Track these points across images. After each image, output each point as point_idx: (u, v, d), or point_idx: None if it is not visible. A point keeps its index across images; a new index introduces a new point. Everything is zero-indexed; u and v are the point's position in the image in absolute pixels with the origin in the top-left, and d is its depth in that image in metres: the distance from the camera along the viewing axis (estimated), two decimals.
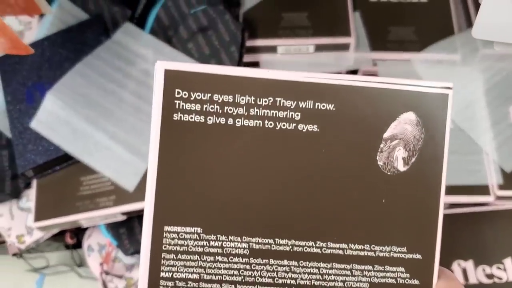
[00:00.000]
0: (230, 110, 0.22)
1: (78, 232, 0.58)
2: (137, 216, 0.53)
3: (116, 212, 0.51)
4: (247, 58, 0.59)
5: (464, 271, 0.51)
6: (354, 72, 0.61)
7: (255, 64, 0.60)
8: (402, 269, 0.24)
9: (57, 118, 0.53)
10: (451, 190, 0.53)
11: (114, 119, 0.53)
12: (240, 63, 0.57)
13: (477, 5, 0.61)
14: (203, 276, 0.23)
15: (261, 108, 0.22)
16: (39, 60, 0.58)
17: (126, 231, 0.53)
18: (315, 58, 0.60)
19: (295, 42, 0.58)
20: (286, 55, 0.60)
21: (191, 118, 0.22)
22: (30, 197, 0.56)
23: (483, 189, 0.53)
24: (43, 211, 0.53)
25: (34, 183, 0.55)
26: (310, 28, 0.59)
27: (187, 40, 0.58)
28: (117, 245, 0.52)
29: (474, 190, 0.53)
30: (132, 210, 0.51)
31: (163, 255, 0.23)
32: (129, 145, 0.52)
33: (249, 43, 0.58)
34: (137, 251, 0.52)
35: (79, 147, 0.52)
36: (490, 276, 0.50)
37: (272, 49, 0.59)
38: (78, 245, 0.59)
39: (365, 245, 0.23)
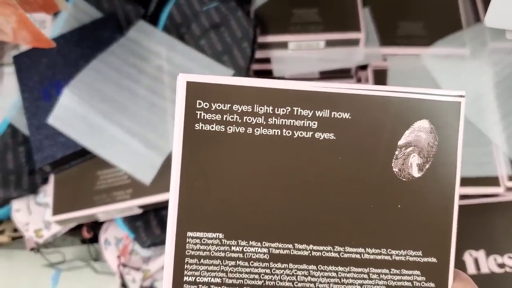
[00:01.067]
0: (249, 119, 0.23)
1: (95, 226, 0.58)
2: (153, 209, 0.54)
3: (133, 205, 0.52)
4: (258, 54, 0.60)
5: (476, 261, 0.52)
6: (364, 67, 0.62)
7: (266, 60, 0.61)
8: (418, 272, 0.24)
9: (74, 113, 0.54)
10: (461, 182, 0.53)
11: (130, 113, 0.54)
12: (252, 59, 0.58)
13: (485, 0, 0.62)
14: (225, 280, 0.23)
15: (279, 118, 0.23)
16: (54, 57, 0.59)
17: (142, 224, 0.54)
18: (326, 54, 0.60)
19: (305, 38, 0.59)
20: (297, 51, 0.61)
21: (212, 127, 0.23)
22: (47, 193, 0.57)
23: (493, 181, 0.54)
24: (61, 205, 0.54)
25: (51, 178, 0.56)
26: (321, 24, 0.60)
27: (199, 36, 0.59)
28: (134, 238, 0.53)
29: (484, 182, 0.54)
30: (149, 203, 0.52)
31: (186, 260, 0.23)
32: (145, 139, 0.53)
33: (260, 39, 0.59)
34: (153, 244, 0.53)
35: (96, 141, 0.53)
36: (501, 265, 0.51)
37: (283, 45, 0.60)
38: (94, 239, 0.59)
39: (382, 249, 0.24)
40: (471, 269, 0.52)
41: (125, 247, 0.54)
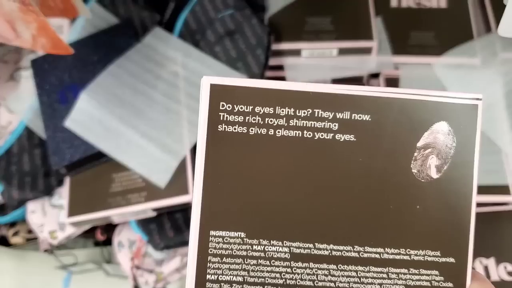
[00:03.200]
0: (271, 121, 0.23)
1: (108, 229, 0.59)
2: (167, 212, 0.55)
3: (147, 208, 0.53)
4: (271, 61, 0.60)
5: (486, 269, 0.52)
6: (375, 75, 0.63)
7: (279, 68, 0.62)
8: (436, 272, 0.24)
9: (90, 117, 0.55)
10: None
11: (146, 118, 0.55)
12: (266, 65, 0.59)
13: (495, 11, 0.63)
14: (246, 278, 0.24)
15: (300, 119, 0.24)
16: (71, 62, 0.60)
17: (156, 227, 0.54)
18: (338, 62, 0.61)
19: (319, 46, 0.60)
20: (310, 59, 0.62)
21: (235, 129, 0.23)
22: (62, 195, 0.58)
23: (503, 189, 0.54)
24: (76, 207, 0.54)
25: (67, 180, 0.57)
26: (334, 32, 0.60)
27: (214, 43, 0.60)
28: (147, 240, 0.54)
29: (495, 190, 0.54)
30: (163, 206, 0.53)
31: (209, 258, 0.23)
32: (160, 143, 0.54)
33: (274, 46, 0.60)
34: (167, 246, 0.53)
35: (112, 145, 0.54)
36: (511, 273, 0.51)
37: (296, 53, 0.61)
38: (107, 242, 0.60)
39: (401, 249, 0.24)
40: None
41: (138, 249, 0.55)
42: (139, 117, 0.55)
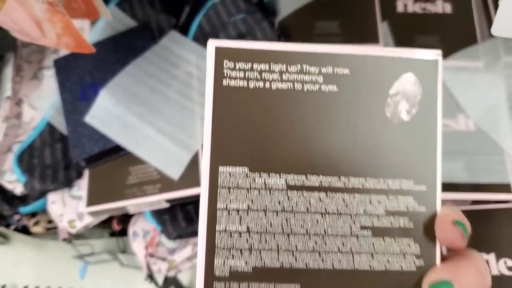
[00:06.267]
0: (267, 76, 0.28)
1: (124, 220, 0.62)
2: (180, 204, 0.58)
3: (161, 199, 0.55)
4: None
5: (486, 263, 0.54)
6: None
7: None
8: (411, 198, 0.28)
9: (109, 113, 0.58)
10: (474, 188, 0.56)
11: (161, 115, 0.58)
12: None
13: None
14: (251, 206, 0.28)
15: (291, 74, 0.28)
16: (92, 62, 0.63)
17: (169, 217, 0.57)
18: None
19: None
20: None
21: (236, 83, 0.28)
22: (81, 186, 0.61)
23: (505, 188, 0.56)
24: (95, 197, 0.58)
25: (86, 172, 0.60)
26: (341, 35, 0.63)
27: None
28: (161, 230, 0.57)
29: (497, 188, 0.56)
30: (176, 197, 0.55)
31: (219, 190, 0.28)
32: (175, 138, 0.57)
33: None
34: (179, 236, 0.56)
35: (130, 139, 0.57)
36: (510, 268, 0.53)
37: None
38: (123, 232, 0.63)
39: (380, 179, 0.28)
40: None
41: (152, 238, 0.58)
42: (155, 114, 0.58)
